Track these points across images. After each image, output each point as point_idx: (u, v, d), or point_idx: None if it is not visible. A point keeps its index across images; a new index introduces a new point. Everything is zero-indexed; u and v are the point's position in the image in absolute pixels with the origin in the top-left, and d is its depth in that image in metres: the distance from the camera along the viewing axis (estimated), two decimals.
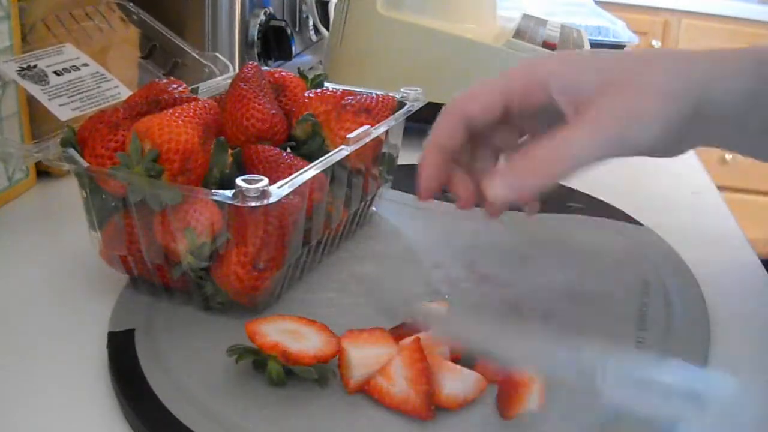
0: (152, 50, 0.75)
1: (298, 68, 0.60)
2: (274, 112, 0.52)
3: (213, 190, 0.42)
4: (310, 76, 0.58)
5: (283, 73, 0.57)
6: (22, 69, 0.60)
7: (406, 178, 0.64)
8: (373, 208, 0.62)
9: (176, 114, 0.43)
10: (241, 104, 0.51)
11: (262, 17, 0.87)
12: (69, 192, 0.63)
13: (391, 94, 0.57)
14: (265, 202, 0.41)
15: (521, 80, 0.46)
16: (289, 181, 0.43)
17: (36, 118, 0.64)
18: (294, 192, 0.43)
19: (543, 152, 0.42)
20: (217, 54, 0.73)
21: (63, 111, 0.58)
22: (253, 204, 0.41)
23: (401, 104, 0.57)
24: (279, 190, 0.41)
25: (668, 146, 0.46)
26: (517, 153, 0.43)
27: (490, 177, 0.43)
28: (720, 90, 0.43)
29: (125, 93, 0.62)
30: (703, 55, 0.45)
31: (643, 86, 0.42)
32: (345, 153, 0.49)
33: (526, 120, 0.48)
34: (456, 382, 0.39)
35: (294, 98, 0.56)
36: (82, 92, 0.61)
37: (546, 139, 0.42)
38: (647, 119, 0.42)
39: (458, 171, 0.49)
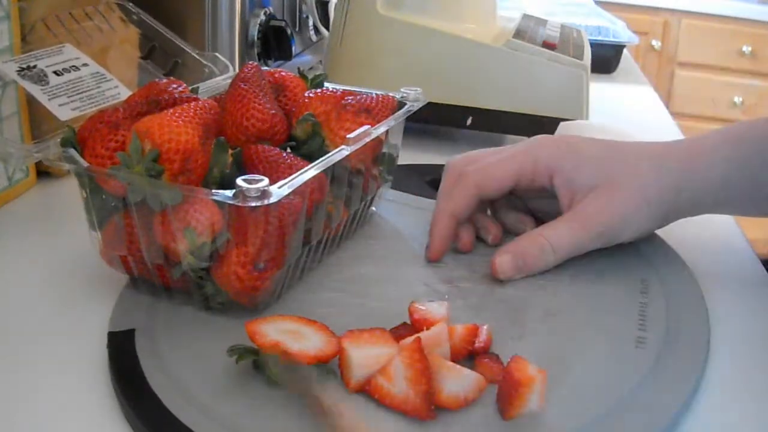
0: (152, 50, 0.75)
1: (298, 68, 0.60)
2: (274, 112, 0.52)
3: (213, 190, 0.42)
4: (310, 76, 0.58)
5: (283, 73, 0.57)
6: (22, 69, 0.60)
7: (406, 178, 0.64)
8: (373, 209, 0.62)
9: (176, 114, 0.43)
10: (241, 104, 0.51)
11: (262, 17, 0.87)
12: (69, 192, 0.63)
13: (391, 94, 0.57)
14: (266, 202, 0.41)
15: (531, 167, 0.54)
16: (289, 181, 0.43)
17: (36, 118, 0.64)
18: (294, 192, 0.43)
19: (542, 241, 0.52)
20: (217, 54, 0.73)
21: (63, 111, 0.58)
22: (254, 204, 0.41)
23: (401, 104, 0.57)
24: (279, 190, 0.41)
25: (648, 232, 0.55)
26: (521, 234, 0.54)
27: (500, 256, 0.51)
28: (694, 186, 0.52)
29: (125, 93, 0.62)
30: (679, 154, 0.53)
31: (625, 192, 0.51)
32: (345, 153, 0.49)
33: (525, 191, 0.56)
34: (456, 382, 0.39)
35: (294, 98, 0.56)
36: (81, 92, 0.61)
37: (547, 228, 0.52)
38: (623, 220, 0.52)
39: (463, 223, 0.56)
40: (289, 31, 0.90)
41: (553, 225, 0.53)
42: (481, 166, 0.55)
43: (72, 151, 0.45)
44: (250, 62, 0.54)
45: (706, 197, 0.53)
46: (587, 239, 0.52)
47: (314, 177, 0.45)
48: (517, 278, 0.52)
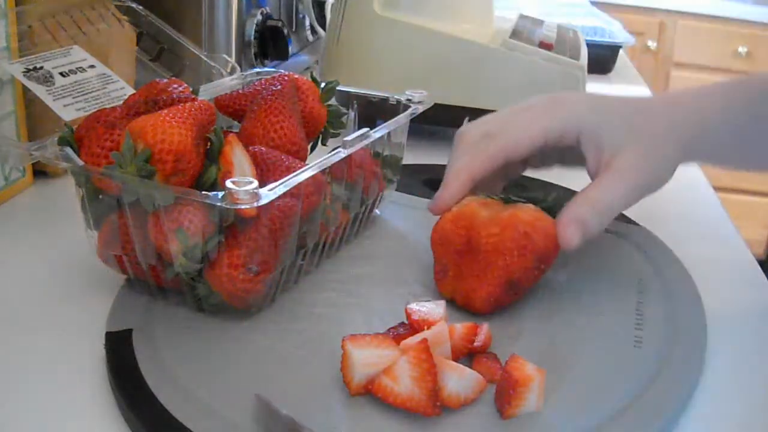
0: (161, 52, 0.75)
1: (311, 73, 0.59)
2: (302, 136, 0.52)
3: (203, 192, 0.41)
4: (307, 76, 0.58)
5: (296, 76, 0.56)
6: (28, 70, 0.60)
7: (402, 178, 0.64)
8: (377, 211, 0.61)
9: (170, 114, 0.43)
10: (276, 119, 0.51)
11: (259, 17, 0.87)
12: (66, 191, 0.62)
13: (395, 95, 0.57)
14: (255, 204, 0.40)
15: (559, 126, 0.52)
16: (280, 184, 0.42)
17: (34, 118, 0.64)
18: (288, 194, 0.43)
19: (594, 204, 0.49)
20: (225, 56, 0.73)
21: (67, 111, 0.58)
22: (243, 206, 0.40)
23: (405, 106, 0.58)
24: (269, 193, 0.41)
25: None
26: (572, 205, 0.49)
27: (565, 228, 0.48)
28: (711, 129, 0.53)
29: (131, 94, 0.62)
30: (694, 102, 0.54)
31: (649, 147, 0.51)
32: (342, 155, 0.48)
33: (547, 153, 0.54)
34: (458, 381, 0.39)
35: (306, 102, 0.56)
36: (87, 93, 0.61)
37: (592, 189, 0.50)
38: (656, 175, 0.51)
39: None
40: (285, 31, 0.90)
41: (597, 186, 0.50)
42: (508, 127, 0.53)
43: (68, 150, 0.45)
44: (285, 73, 0.55)
45: (722, 139, 0.54)
46: (631, 195, 0.50)
47: (309, 179, 0.45)
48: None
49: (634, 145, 0.51)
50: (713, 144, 0.54)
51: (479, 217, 0.49)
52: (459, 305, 0.49)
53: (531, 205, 0.49)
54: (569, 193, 0.52)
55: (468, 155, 0.52)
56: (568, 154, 0.54)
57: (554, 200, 0.51)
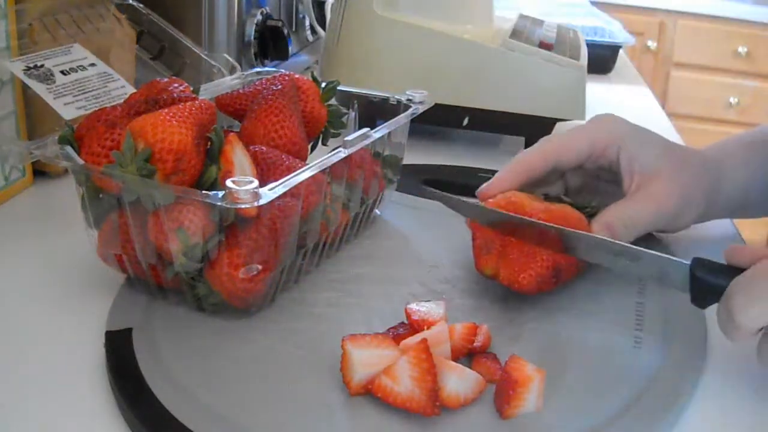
0: (161, 51, 0.75)
1: (312, 73, 0.59)
2: (303, 137, 0.52)
3: (203, 191, 0.41)
4: (307, 76, 0.58)
5: (297, 76, 0.56)
6: (29, 68, 0.60)
7: (402, 178, 0.64)
8: (377, 212, 0.61)
9: (171, 114, 0.43)
10: (277, 119, 0.51)
11: (259, 17, 0.87)
12: (66, 191, 0.63)
13: (396, 95, 0.57)
14: (255, 204, 0.40)
15: (605, 138, 0.56)
16: (280, 183, 0.42)
17: (34, 116, 0.64)
18: (288, 194, 0.43)
19: (623, 218, 0.53)
20: (226, 55, 0.73)
21: (68, 110, 0.58)
22: (243, 206, 0.40)
23: (405, 106, 0.58)
24: (269, 192, 0.41)
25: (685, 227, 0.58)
26: (605, 213, 0.53)
27: (597, 227, 0.51)
28: (724, 189, 0.57)
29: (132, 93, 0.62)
30: (711, 160, 0.58)
31: (673, 185, 0.55)
32: (342, 155, 0.48)
33: (591, 167, 0.58)
34: (457, 381, 0.39)
35: (307, 102, 0.56)
36: (87, 92, 0.61)
37: (624, 206, 0.53)
38: (683, 208, 0.55)
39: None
40: (285, 31, 0.90)
41: (627, 203, 0.54)
42: (563, 135, 0.58)
43: (69, 149, 0.45)
44: (285, 73, 0.55)
45: (733, 200, 0.58)
46: (656, 220, 0.54)
47: (310, 179, 0.45)
48: None
49: (666, 174, 0.55)
50: (725, 206, 0.58)
51: (528, 206, 0.50)
52: (501, 283, 0.49)
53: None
54: (608, 204, 0.54)
55: (525, 153, 0.56)
56: (602, 182, 0.59)
57: (595, 207, 0.54)
